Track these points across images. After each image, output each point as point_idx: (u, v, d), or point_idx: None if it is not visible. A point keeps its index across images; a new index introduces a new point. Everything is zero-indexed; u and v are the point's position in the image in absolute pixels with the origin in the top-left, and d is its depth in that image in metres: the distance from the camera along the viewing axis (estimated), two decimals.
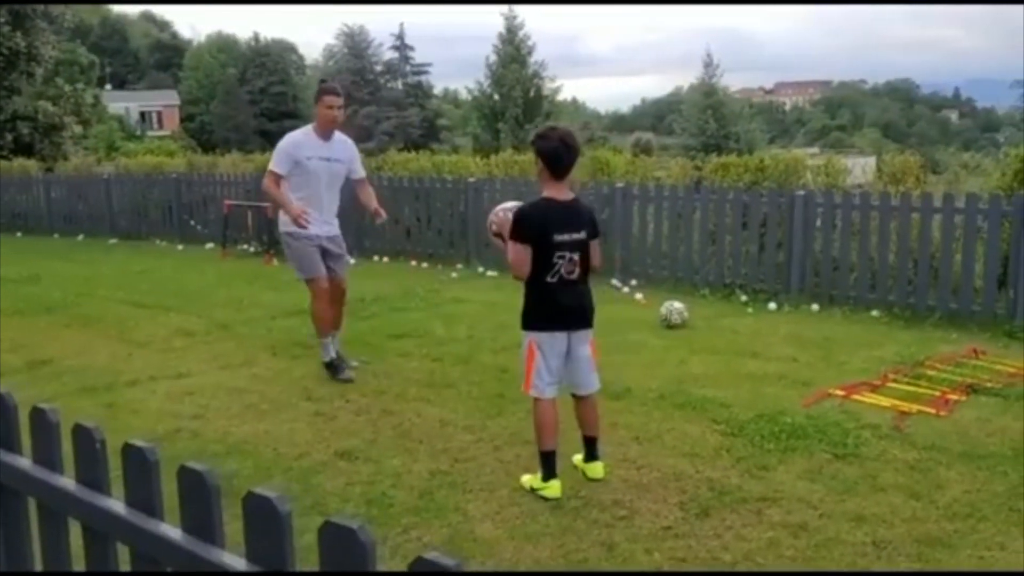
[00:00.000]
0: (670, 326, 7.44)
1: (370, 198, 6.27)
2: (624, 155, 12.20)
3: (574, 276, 4.12)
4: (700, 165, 11.24)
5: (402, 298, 8.90)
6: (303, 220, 5.71)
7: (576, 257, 4.11)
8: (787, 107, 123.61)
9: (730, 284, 9.04)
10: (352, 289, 9.21)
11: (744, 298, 8.70)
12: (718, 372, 6.07)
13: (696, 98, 53.88)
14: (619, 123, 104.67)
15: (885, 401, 5.34)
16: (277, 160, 5.89)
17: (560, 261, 4.07)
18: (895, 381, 5.76)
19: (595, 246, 4.23)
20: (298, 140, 5.98)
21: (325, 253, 6.10)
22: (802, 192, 8.75)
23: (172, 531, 1.59)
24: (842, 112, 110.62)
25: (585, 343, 4.23)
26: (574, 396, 4.29)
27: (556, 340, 4.13)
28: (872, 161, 11.17)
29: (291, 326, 7.54)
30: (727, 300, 8.78)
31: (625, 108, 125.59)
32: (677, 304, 7.60)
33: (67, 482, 1.84)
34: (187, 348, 6.91)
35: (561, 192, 4.16)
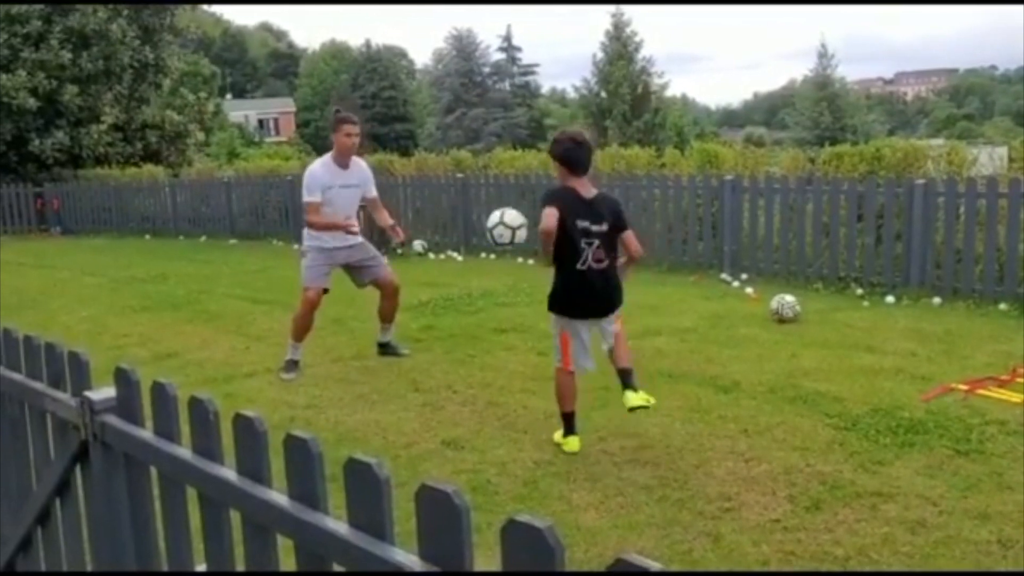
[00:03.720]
0: (781, 320, 7.24)
1: (384, 217, 6.52)
2: (734, 147, 11.93)
3: (603, 265, 4.38)
4: (813, 157, 10.91)
5: (508, 293, 8.96)
6: (351, 229, 6.14)
7: (603, 247, 4.35)
8: (908, 97, 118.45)
9: (844, 277, 8.75)
10: (459, 285, 9.43)
11: (859, 291, 8.40)
12: (831, 366, 5.88)
13: (810, 90, 52.39)
14: (730, 118, 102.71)
15: (1015, 397, 5.07)
16: (309, 191, 6.15)
17: (587, 248, 4.33)
18: None
19: (630, 237, 4.48)
20: (319, 172, 6.22)
21: (351, 268, 6.44)
22: (922, 181, 8.38)
23: (339, 526, 1.54)
24: (970, 100, 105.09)
25: (612, 322, 4.52)
26: (609, 350, 4.54)
27: (578, 324, 4.48)
28: (1003, 151, 10.58)
29: (400, 321, 7.66)
30: (841, 294, 8.49)
31: (736, 103, 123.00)
32: (789, 298, 7.40)
33: (182, 450, 1.95)
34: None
35: (582, 186, 4.42)
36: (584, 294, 4.42)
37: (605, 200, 4.51)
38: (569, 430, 4.56)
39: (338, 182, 6.17)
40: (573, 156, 4.42)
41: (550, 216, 4.25)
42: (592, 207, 4.37)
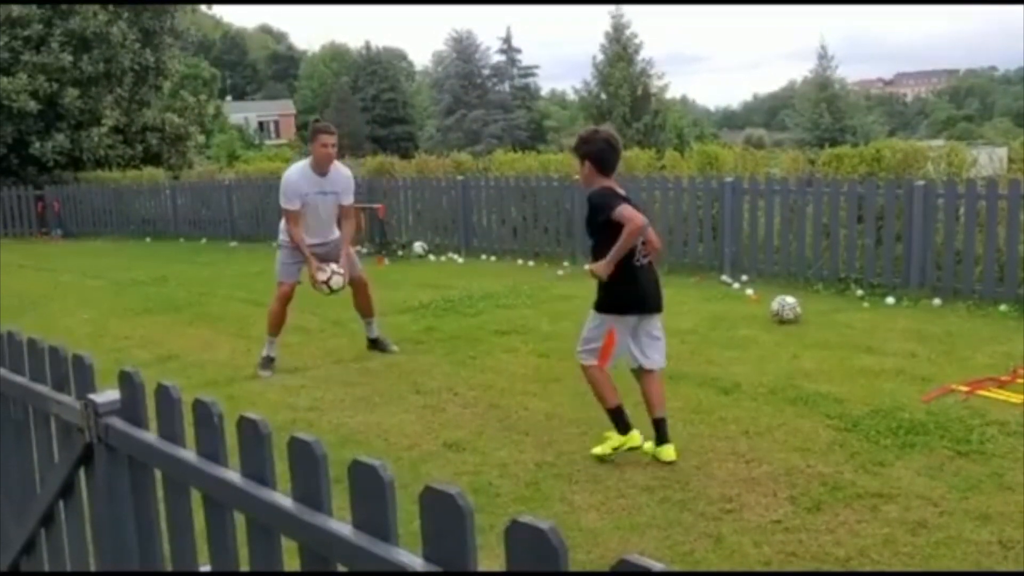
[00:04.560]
0: (782, 321, 7.25)
1: (347, 232, 6.55)
2: (734, 149, 11.94)
3: (650, 259, 4.49)
4: (813, 158, 10.93)
5: (509, 295, 8.98)
6: (314, 266, 6.26)
7: (645, 242, 4.44)
8: (908, 98, 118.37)
9: (845, 279, 8.76)
10: (460, 287, 9.44)
11: (860, 293, 8.41)
12: (831, 367, 5.89)
13: (809, 91, 52.46)
14: (729, 119, 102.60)
15: (1015, 397, 5.08)
16: (288, 199, 6.30)
17: (640, 245, 4.40)
18: None
19: (651, 230, 4.54)
20: (296, 180, 6.33)
21: (322, 261, 6.45)
22: (922, 182, 8.39)
23: (343, 527, 1.54)
24: (970, 102, 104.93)
25: (659, 325, 4.55)
26: (639, 371, 4.50)
27: (629, 321, 4.45)
28: (1003, 152, 10.60)
29: (400, 323, 7.72)
30: (842, 295, 8.50)
31: (736, 104, 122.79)
32: (789, 299, 7.41)
33: (187, 452, 1.96)
34: (303, 344, 7.16)
35: (616, 185, 4.51)
36: (644, 288, 4.45)
37: (632, 199, 4.62)
38: (624, 426, 4.38)
39: (314, 189, 6.30)
40: (607, 159, 4.48)
41: (637, 213, 4.27)
42: (634, 204, 4.47)
